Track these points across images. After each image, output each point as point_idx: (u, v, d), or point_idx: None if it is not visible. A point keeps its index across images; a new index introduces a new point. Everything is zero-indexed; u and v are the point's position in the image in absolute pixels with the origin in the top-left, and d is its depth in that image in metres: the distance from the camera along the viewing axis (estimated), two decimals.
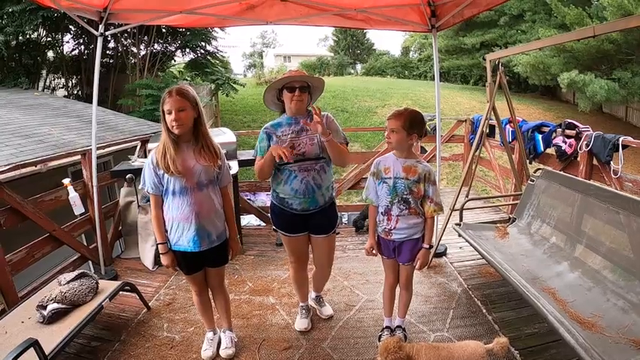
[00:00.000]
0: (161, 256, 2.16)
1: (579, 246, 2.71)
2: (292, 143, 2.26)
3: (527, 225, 3.26)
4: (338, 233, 2.64)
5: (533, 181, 3.35)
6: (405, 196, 2.19)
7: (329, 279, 2.72)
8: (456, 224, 3.32)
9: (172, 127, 1.99)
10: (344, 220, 5.56)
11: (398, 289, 2.49)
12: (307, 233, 2.48)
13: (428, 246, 2.26)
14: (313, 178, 2.30)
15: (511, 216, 3.51)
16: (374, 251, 2.40)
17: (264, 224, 5.08)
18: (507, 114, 3.88)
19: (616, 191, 2.59)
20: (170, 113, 1.97)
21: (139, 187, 2.16)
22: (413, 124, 2.13)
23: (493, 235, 3.25)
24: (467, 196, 3.70)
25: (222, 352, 2.43)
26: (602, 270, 2.45)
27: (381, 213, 2.30)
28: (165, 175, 2.02)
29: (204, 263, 2.26)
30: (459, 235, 3.24)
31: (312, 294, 2.86)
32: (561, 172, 3.39)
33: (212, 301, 2.49)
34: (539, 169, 3.41)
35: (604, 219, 2.58)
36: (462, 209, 3.42)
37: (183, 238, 2.10)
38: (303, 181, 2.28)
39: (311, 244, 2.55)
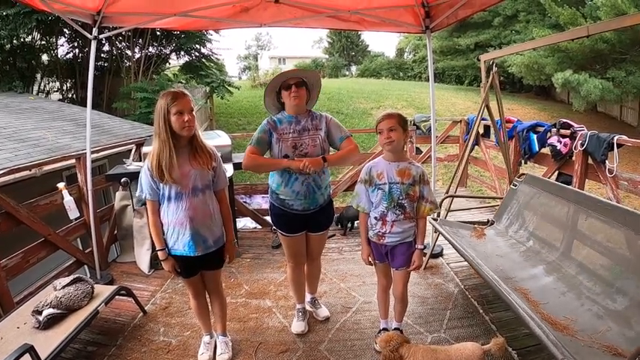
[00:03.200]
0: (162, 262, 2.16)
1: (556, 251, 2.68)
2: (294, 143, 2.26)
3: (505, 228, 3.23)
4: (333, 235, 2.65)
5: (515, 185, 3.34)
6: (400, 201, 2.16)
7: (326, 282, 2.72)
8: (433, 219, 3.23)
9: (184, 128, 1.96)
10: None
11: (391, 293, 2.47)
12: (305, 232, 2.49)
13: (422, 247, 2.25)
14: (314, 180, 2.31)
15: (490, 219, 3.45)
16: (370, 259, 2.34)
17: (260, 227, 5.06)
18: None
19: (597, 197, 2.55)
20: (182, 114, 1.94)
21: (137, 194, 2.14)
22: (405, 121, 2.16)
23: (469, 234, 3.22)
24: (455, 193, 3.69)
25: (219, 358, 2.41)
26: (578, 275, 2.40)
27: (375, 218, 2.24)
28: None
29: (201, 267, 2.25)
30: (435, 231, 3.19)
31: (308, 296, 2.86)
32: (544, 178, 3.36)
33: (209, 304, 2.48)
34: (523, 174, 3.39)
35: (583, 226, 2.57)
36: (440, 204, 3.33)
37: (179, 243, 2.09)
38: (304, 183, 2.29)
39: (306, 240, 2.56)
